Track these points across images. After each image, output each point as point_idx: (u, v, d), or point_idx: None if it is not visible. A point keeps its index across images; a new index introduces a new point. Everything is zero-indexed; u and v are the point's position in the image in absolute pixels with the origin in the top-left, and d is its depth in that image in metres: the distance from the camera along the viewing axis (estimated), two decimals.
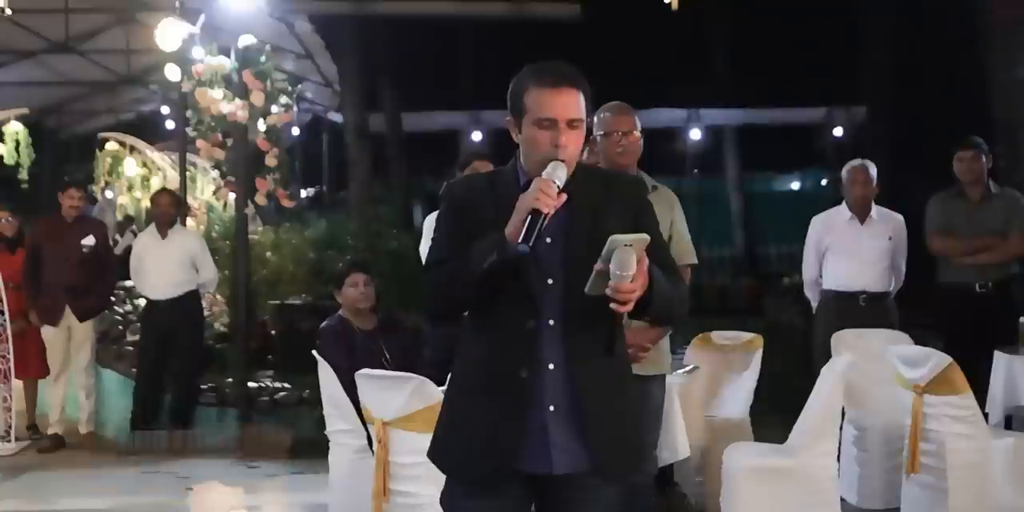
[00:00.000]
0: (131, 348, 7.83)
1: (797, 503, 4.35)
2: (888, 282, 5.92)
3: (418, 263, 5.21)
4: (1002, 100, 8.27)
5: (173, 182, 10.53)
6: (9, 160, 11.52)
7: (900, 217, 5.99)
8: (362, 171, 14.02)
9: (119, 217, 13.18)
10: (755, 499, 4.40)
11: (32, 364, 7.25)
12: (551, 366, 2.55)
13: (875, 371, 5.17)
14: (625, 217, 2.60)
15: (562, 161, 2.52)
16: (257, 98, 7.14)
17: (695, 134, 19.27)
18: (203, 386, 7.31)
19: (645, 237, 2.38)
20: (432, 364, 4.69)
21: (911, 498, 4.82)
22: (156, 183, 11.81)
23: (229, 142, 7.36)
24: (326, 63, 13.54)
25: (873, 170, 5.91)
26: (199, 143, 7.50)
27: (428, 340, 5.27)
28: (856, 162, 6.00)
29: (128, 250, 8.09)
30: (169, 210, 7.30)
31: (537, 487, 2.62)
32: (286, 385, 7.33)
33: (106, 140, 12.66)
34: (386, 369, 4.56)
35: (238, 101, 7.13)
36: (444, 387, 2.86)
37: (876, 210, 5.93)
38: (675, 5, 7.94)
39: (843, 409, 4.66)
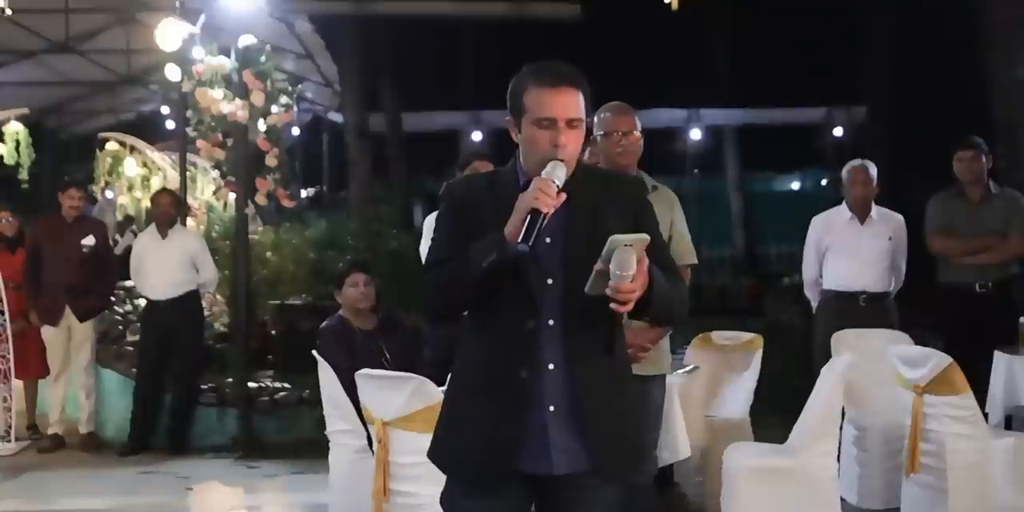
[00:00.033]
0: (131, 348, 7.82)
1: (797, 503, 4.35)
2: (888, 282, 5.92)
3: (418, 263, 5.21)
4: (1002, 100, 8.27)
5: (173, 182, 10.52)
6: (9, 160, 11.50)
7: (900, 217, 5.99)
8: (362, 171, 14.01)
9: (119, 217, 13.16)
10: (755, 499, 4.40)
11: (32, 364, 7.26)
12: (551, 366, 2.55)
13: (875, 371, 5.18)
14: (625, 217, 2.60)
15: (561, 161, 2.52)
16: (257, 98, 7.14)
17: (695, 134, 19.26)
18: (203, 386, 7.30)
19: (645, 237, 2.38)
20: (432, 364, 4.69)
21: (911, 498, 4.82)
22: (156, 183, 11.80)
23: (229, 142, 7.36)
24: (326, 63, 13.53)
25: (873, 170, 5.91)
26: (199, 143, 7.50)
27: (428, 340, 5.27)
28: (856, 162, 6.00)
29: (128, 250, 8.10)
30: (169, 210, 7.30)
31: (537, 487, 2.62)
32: (286, 385, 7.33)
33: (106, 140, 12.64)
34: (386, 369, 4.56)
35: (238, 101, 7.13)
36: (444, 387, 2.87)
37: (876, 210, 5.93)
38: (675, 5, 7.94)
39: (843, 409, 4.66)
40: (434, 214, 3.76)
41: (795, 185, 22.50)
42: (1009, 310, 5.73)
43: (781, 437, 4.61)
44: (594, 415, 2.56)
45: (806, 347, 6.30)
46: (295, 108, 8.62)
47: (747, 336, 5.76)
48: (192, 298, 7.27)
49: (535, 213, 2.42)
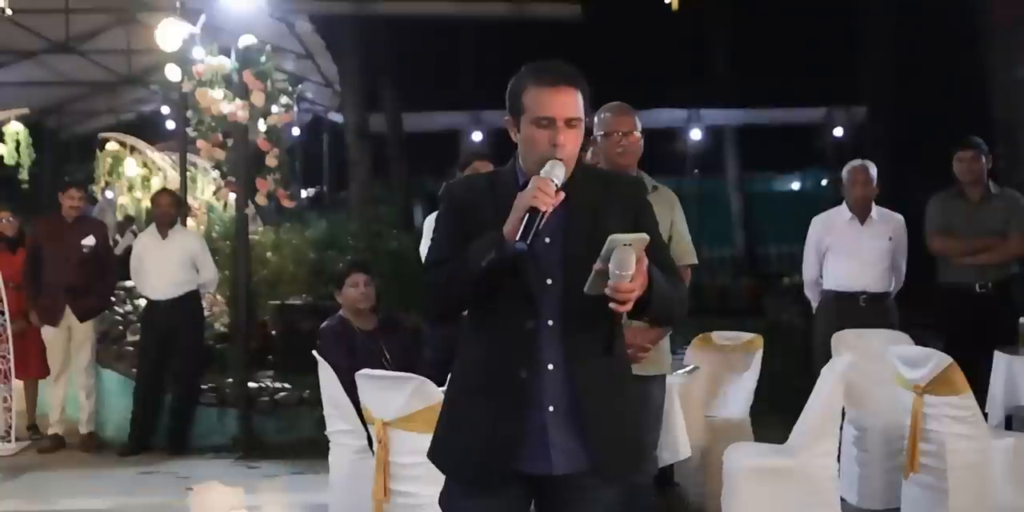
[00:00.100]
0: (131, 348, 7.82)
1: (797, 503, 4.35)
2: (888, 282, 5.92)
3: (418, 263, 5.21)
4: (1002, 100, 8.27)
5: (173, 182, 10.52)
6: (9, 160, 11.51)
7: (900, 217, 5.99)
8: (362, 171, 14.01)
9: (119, 217, 13.16)
10: (755, 499, 4.40)
11: (32, 364, 7.26)
12: (550, 366, 2.55)
13: (875, 371, 5.18)
14: (625, 217, 2.60)
15: (560, 160, 2.51)
16: (257, 98, 7.14)
17: (695, 134, 19.26)
18: (203, 386, 7.30)
19: (644, 237, 2.37)
20: (432, 364, 4.69)
21: (911, 498, 4.82)
22: (156, 183, 11.80)
23: (229, 142, 7.35)
24: (326, 63, 13.53)
25: (873, 170, 5.91)
26: (199, 143, 7.50)
27: (428, 340, 5.27)
28: (856, 162, 6.00)
29: (128, 250, 8.10)
30: (169, 210, 7.31)
31: (536, 487, 2.62)
32: (286, 385, 7.33)
33: (106, 140, 12.64)
34: (386, 369, 4.56)
35: (238, 101, 7.13)
36: (444, 387, 2.86)
37: (876, 210, 5.93)
38: (675, 5, 7.95)
39: (843, 409, 4.66)
40: (434, 214, 3.77)
41: (795, 185, 22.51)
42: (1009, 310, 5.74)
43: (781, 437, 4.61)
44: (593, 415, 2.56)
45: (806, 347, 6.30)
46: (295, 108, 8.61)
47: (747, 336, 5.76)
48: (192, 298, 7.27)
49: (533, 211, 2.42)
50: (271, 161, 7.44)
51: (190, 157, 9.87)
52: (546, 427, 2.55)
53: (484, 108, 18.05)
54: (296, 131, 15.56)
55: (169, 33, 7.81)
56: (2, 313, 7.02)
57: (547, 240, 2.54)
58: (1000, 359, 5.32)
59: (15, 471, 6.57)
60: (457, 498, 2.65)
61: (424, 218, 5.63)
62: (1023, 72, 8.00)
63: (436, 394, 3.83)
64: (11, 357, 7.03)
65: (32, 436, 7.30)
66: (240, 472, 6.57)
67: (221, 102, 7.14)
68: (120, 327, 8.45)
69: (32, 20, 10.67)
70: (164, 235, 7.24)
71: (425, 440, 2.74)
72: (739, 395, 5.61)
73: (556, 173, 2.49)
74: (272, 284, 9.11)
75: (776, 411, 5.79)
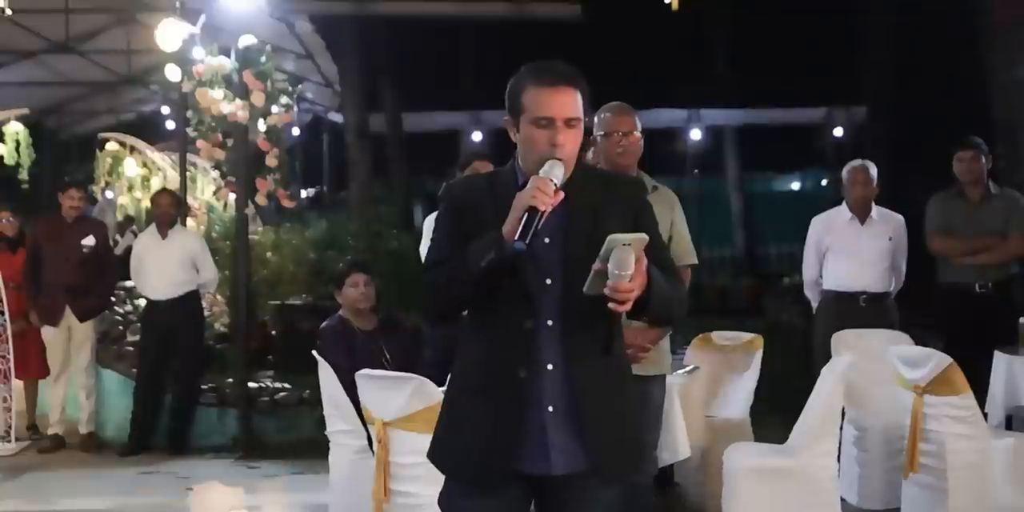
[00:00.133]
0: (131, 348, 7.82)
1: (797, 503, 4.35)
2: (888, 282, 5.92)
3: (418, 263, 5.21)
4: (1002, 100, 8.27)
5: (173, 182, 10.52)
6: (9, 160, 11.51)
7: (900, 217, 5.99)
8: (362, 171, 14.01)
9: (119, 217, 13.17)
10: (755, 499, 4.40)
11: (32, 364, 7.26)
12: (550, 366, 2.55)
13: (875, 371, 5.18)
14: (625, 217, 2.60)
15: (559, 160, 2.51)
16: (257, 98, 7.14)
17: (695, 134, 19.27)
18: (203, 386, 7.30)
19: (644, 237, 2.37)
20: (432, 364, 4.69)
21: (911, 498, 4.82)
22: (156, 183, 11.80)
23: (229, 142, 7.35)
24: (326, 63, 13.54)
25: (873, 170, 5.91)
26: (199, 143, 7.50)
27: (428, 340, 5.27)
28: (856, 162, 6.00)
29: (128, 250, 8.10)
30: (169, 210, 7.31)
31: (536, 487, 2.62)
32: (286, 385, 7.33)
33: (106, 140, 12.65)
34: (386, 369, 4.56)
35: (238, 101, 7.13)
36: (444, 387, 2.86)
37: (876, 210, 5.93)
38: (675, 5, 7.94)
39: (843, 409, 4.66)
40: (434, 214, 3.77)
41: (795, 185, 22.52)
42: (1009, 310, 5.73)
43: (781, 437, 4.61)
44: (593, 415, 2.56)
45: (806, 347, 6.30)
46: (295, 108, 8.61)
47: (747, 336, 5.76)
48: (192, 298, 7.27)
49: (532, 211, 2.42)
50: (271, 161, 7.44)
51: (190, 157, 9.88)
52: (545, 427, 2.54)
53: (484, 108, 18.05)
54: (296, 131, 15.56)
55: (169, 33, 7.81)
56: (2, 313, 7.02)
57: (546, 240, 2.54)
58: (1000, 359, 5.32)
59: (15, 471, 6.56)
60: (457, 498, 2.65)
61: (424, 218, 5.63)
62: (1023, 72, 8.00)
63: (436, 394, 3.83)
64: (11, 357, 7.03)
65: (32, 436, 7.30)
66: (240, 472, 6.57)
67: (221, 102, 7.14)
68: (120, 327, 8.45)
69: (32, 20, 10.67)
70: (164, 235, 7.24)
71: (425, 440, 2.74)
72: (739, 395, 5.61)
73: (555, 173, 2.49)
74: (272, 284, 9.11)
75: (776, 411, 5.79)
